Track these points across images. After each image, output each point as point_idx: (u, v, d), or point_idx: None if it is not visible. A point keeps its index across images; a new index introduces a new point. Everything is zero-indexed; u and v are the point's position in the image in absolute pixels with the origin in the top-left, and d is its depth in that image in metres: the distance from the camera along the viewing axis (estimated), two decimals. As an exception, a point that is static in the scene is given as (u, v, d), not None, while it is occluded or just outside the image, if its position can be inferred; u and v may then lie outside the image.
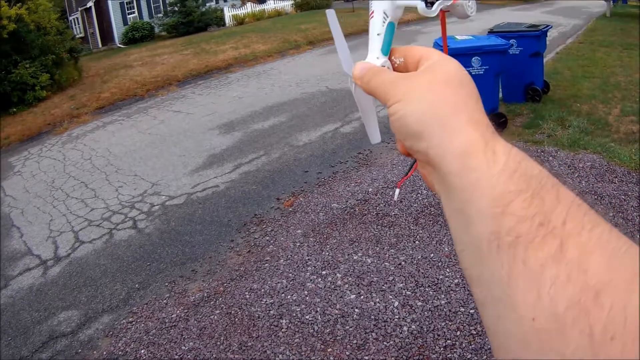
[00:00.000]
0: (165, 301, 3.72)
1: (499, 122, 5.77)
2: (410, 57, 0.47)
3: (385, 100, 0.43)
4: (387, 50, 0.48)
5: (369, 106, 0.52)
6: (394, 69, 0.48)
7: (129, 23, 26.01)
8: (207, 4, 26.71)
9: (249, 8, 25.77)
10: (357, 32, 13.30)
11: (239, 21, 24.60)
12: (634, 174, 4.64)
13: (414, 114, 0.40)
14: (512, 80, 6.49)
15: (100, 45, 26.98)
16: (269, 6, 26.79)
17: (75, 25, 29.26)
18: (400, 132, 0.42)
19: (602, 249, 0.29)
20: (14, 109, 11.34)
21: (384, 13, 0.48)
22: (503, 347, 0.32)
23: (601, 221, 0.31)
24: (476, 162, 0.35)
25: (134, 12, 27.16)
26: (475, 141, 0.36)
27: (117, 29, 26.11)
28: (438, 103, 0.39)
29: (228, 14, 25.13)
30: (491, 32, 6.51)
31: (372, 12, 0.49)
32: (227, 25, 24.61)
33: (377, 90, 0.45)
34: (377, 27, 0.48)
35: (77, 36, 23.43)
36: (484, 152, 0.36)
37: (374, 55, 0.48)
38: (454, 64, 0.43)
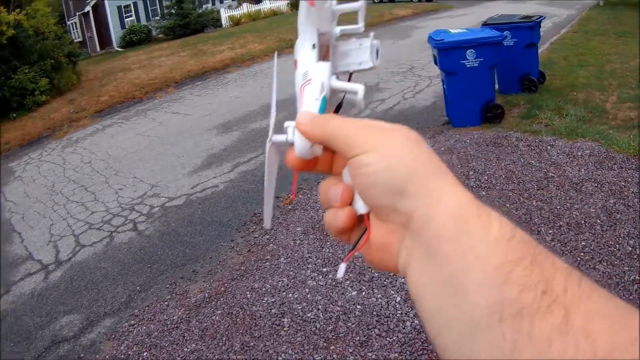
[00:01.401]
0: (166, 303, 3.72)
1: (496, 113, 5.75)
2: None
3: (349, 148, 0.38)
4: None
5: (272, 177, 0.48)
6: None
7: (127, 26, 26.12)
8: (204, 6, 26.82)
9: (245, 9, 25.78)
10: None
11: (235, 22, 24.64)
12: (633, 160, 4.61)
13: (398, 168, 0.36)
14: (508, 72, 6.47)
15: (98, 49, 27.06)
16: (265, 6, 26.80)
17: (73, 29, 29.30)
18: (373, 187, 0.37)
19: (603, 315, 0.28)
20: (14, 114, 11.38)
21: (322, 85, 0.45)
22: None
23: (596, 286, 0.30)
24: (472, 226, 0.32)
25: (131, 16, 27.24)
26: (469, 204, 0.34)
27: (115, 33, 26.21)
28: (424, 160, 0.36)
29: (224, 15, 25.16)
30: (485, 24, 6.48)
31: (298, 63, 0.47)
32: (224, 26, 24.65)
33: (337, 136, 0.39)
34: (314, 93, 0.44)
35: (76, 40, 23.41)
36: (478, 216, 0.33)
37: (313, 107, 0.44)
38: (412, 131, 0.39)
